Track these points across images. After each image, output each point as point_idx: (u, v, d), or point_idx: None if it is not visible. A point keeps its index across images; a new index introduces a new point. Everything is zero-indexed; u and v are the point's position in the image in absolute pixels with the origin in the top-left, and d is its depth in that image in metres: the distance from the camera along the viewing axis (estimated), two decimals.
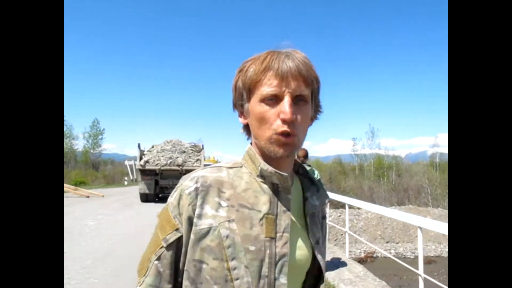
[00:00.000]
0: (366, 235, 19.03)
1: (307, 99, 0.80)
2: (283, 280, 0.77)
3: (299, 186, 0.91)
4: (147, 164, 14.21)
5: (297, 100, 0.78)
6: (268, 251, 0.77)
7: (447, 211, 21.60)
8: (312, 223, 0.86)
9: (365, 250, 17.59)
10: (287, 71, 0.77)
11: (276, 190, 0.82)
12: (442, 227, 3.60)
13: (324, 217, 0.96)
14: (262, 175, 0.83)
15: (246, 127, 0.89)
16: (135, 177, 26.24)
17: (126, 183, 27.94)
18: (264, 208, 0.80)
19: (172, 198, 0.82)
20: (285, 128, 0.76)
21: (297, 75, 0.77)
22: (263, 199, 0.81)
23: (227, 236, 0.76)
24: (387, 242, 18.81)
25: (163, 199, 15.41)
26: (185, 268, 0.79)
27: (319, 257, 0.84)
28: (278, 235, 0.78)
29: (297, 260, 0.82)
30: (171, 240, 0.79)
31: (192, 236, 0.78)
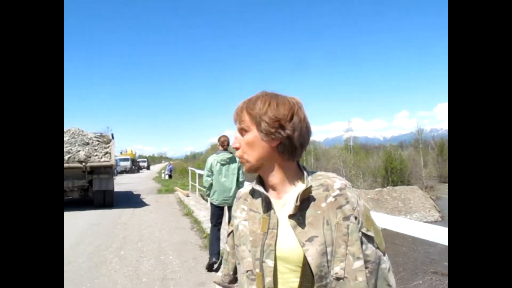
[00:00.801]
0: None
1: (247, 129, 1.08)
2: (269, 263, 1.05)
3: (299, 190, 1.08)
4: None
5: (242, 131, 1.10)
6: (261, 242, 1.07)
7: (359, 190, 22.88)
8: (302, 223, 1.04)
9: None
10: (235, 111, 1.12)
11: (268, 197, 1.10)
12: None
13: (345, 218, 1.04)
14: None
15: None
16: None
17: None
18: (261, 210, 1.12)
19: None
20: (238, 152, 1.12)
21: (239, 113, 1.10)
22: (262, 204, 1.13)
23: (242, 230, 1.14)
24: None
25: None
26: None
27: (307, 252, 1.01)
28: (269, 230, 1.07)
29: (284, 251, 1.05)
30: (229, 231, 1.27)
31: (233, 229, 1.22)
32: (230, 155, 5.26)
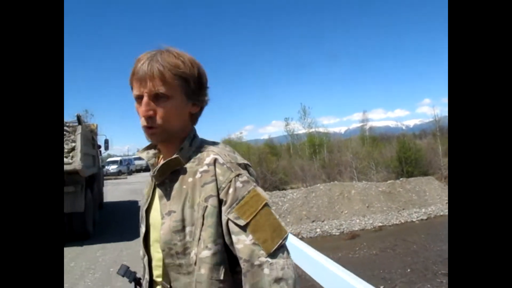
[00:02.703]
0: (292, 216, 18.50)
1: (167, 95, 0.95)
2: (142, 228, 1.07)
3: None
4: None
5: (158, 97, 0.95)
6: (142, 206, 1.08)
7: (370, 183, 21.73)
8: (167, 195, 0.99)
9: (290, 233, 16.98)
10: (143, 75, 0.95)
11: (149, 164, 1.09)
12: None
13: (206, 199, 0.94)
14: None
15: None
16: None
17: None
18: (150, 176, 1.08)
19: None
20: (145, 123, 0.97)
21: (152, 77, 0.94)
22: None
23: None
24: (313, 221, 18.39)
25: None
26: None
27: (162, 226, 0.97)
28: (148, 197, 1.07)
29: (153, 220, 1.04)
30: None
31: None
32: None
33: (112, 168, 34.36)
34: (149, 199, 1.06)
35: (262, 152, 31.15)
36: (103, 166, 14.08)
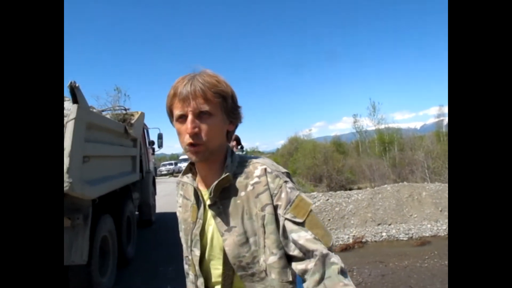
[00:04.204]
0: (356, 218, 17.71)
1: (210, 112, 1.01)
2: (196, 252, 1.09)
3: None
4: None
5: (201, 114, 1.00)
6: (191, 231, 1.10)
7: (444, 184, 19.99)
8: (222, 212, 1.05)
9: (353, 235, 16.33)
10: (187, 95, 1.00)
11: (195, 187, 1.10)
12: None
13: (263, 208, 1.02)
14: None
15: None
16: None
17: None
18: (192, 199, 1.12)
19: None
20: (190, 140, 1.00)
21: (195, 96, 0.99)
22: (192, 192, 1.13)
23: (178, 216, 1.19)
24: (379, 224, 17.35)
25: None
26: None
27: (225, 242, 1.03)
28: (197, 220, 1.09)
29: (209, 240, 1.08)
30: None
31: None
32: (242, 153, 5.03)
33: (184, 165, 35.49)
34: (201, 222, 1.09)
35: (328, 150, 30.29)
36: (155, 168, 11.98)
